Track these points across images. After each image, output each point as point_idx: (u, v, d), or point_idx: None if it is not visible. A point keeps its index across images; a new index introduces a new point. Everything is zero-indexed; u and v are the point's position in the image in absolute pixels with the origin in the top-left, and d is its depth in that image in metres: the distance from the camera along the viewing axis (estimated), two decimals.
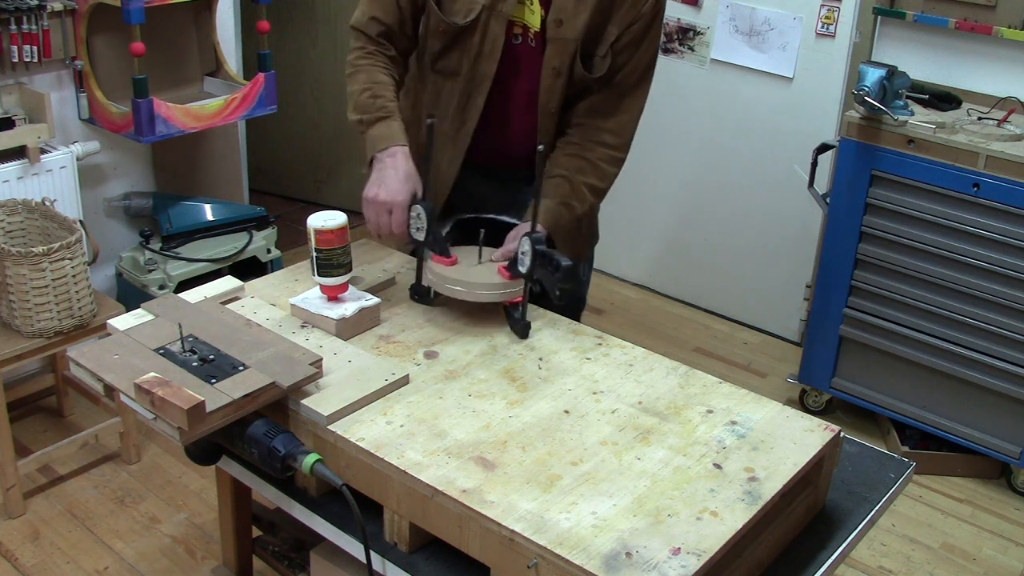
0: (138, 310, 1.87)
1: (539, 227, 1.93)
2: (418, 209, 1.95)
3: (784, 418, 1.71)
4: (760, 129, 3.78)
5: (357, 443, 1.59)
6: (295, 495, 1.73)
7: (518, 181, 2.23)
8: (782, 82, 3.68)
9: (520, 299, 1.92)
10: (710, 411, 1.72)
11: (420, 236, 1.96)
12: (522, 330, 1.91)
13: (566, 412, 1.70)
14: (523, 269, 1.87)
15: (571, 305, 2.25)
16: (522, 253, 1.87)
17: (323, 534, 1.71)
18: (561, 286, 1.81)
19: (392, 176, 1.94)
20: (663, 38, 3.91)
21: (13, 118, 3.00)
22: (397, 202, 1.93)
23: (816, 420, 1.71)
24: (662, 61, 3.94)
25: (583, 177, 2.09)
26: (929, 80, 3.27)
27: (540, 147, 1.87)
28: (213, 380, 1.62)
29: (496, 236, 2.16)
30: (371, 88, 2.04)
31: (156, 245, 3.37)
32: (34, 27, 2.99)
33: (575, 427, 1.66)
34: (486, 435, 1.62)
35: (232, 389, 1.60)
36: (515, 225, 2.20)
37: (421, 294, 2.01)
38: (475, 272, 1.94)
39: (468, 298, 1.91)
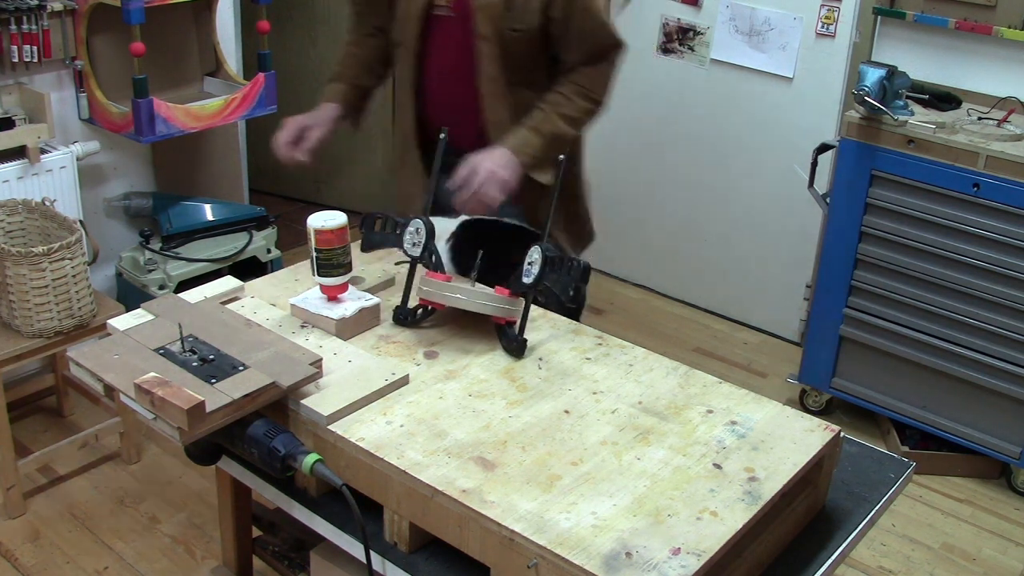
0: (138, 310, 1.87)
1: (541, 236, 1.92)
2: (417, 224, 1.94)
3: (784, 418, 1.71)
4: (760, 129, 3.78)
5: (357, 443, 1.59)
6: (295, 495, 1.73)
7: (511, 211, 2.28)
8: (782, 82, 3.68)
9: (516, 319, 1.88)
10: (710, 411, 1.72)
11: (416, 251, 1.95)
12: (518, 349, 1.86)
13: (566, 412, 1.70)
14: (529, 280, 1.83)
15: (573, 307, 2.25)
16: (529, 264, 1.85)
17: (323, 534, 1.71)
18: (577, 285, 1.79)
19: (308, 113, 2.32)
20: (663, 38, 3.91)
21: (13, 118, 3.00)
22: (285, 121, 2.31)
23: (816, 420, 1.71)
24: (662, 61, 3.96)
25: (553, 107, 2.22)
26: (929, 80, 3.27)
27: (442, 135, 1.97)
28: (213, 380, 1.62)
29: (497, 236, 2.16)
30: (338, 61, 2.46)
31: (156, 245, 3.37)
32: (34, 27, 2.99)
33: (575, 427, 1.66)
34: (486, 435, 1.62)
35: (232, 389, 1.60)
36: (520, 228, 2.20)
37: (405, 316, 1.95)
38: (473, 287, 1.91)
39: (467, 307, 1.86)
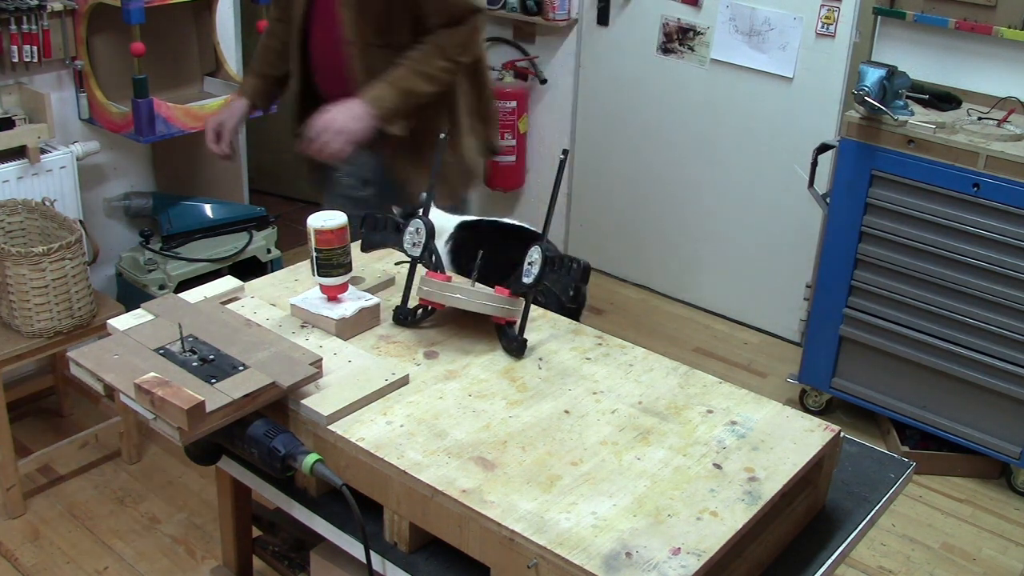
0: (138, 310, 1.87)
1: (528, 226, 1.94)
2: (417, 224, 1.94)
3: (784, 418, 1.71)
4: (760, 129, 3.78)
5: (357, 443, 1.59)
6: (295, 495, 1.73)
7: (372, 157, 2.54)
8: (782, 82, 3.68)
9: (516, 319, 1.88)
10: (710, 411, 1.72)
11: (416, 252, 1.95)
12: (518, 349, 1.86)
13: (566, 412, 1.70)
14: (529, 280, 1.83)
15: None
16: (529, 263, 1.85)
17: (323, 534, 1.71)
18: (577, 285, 1.80)
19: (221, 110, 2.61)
20: (663, 38, 3.91)
21: (13, 118, 3.00)
22: (206, 120, 2.63)
23: (816, 420, 1.71)
24: (662, 61, 3.96)
25: (411, 63, 2.39)
26: (929, 80, 3.27)
27: (442, 135, 2.00)
28: (213, 380, 1.62)
29: (497, 238, 2.16)
30: (254, 54, 2.72)
31: (156, 245, 3.37)
32: (34, 27, 2.99)
33: (575, 427, 1.66)
34: (486, 435, 1.62)
35: (232, 389, 1.60)
36: (520, 228, 2.20)
37: (405, 316, 1.95)
38: (473, 287, 1.92)
39: (467, 307, 1.86)
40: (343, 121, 2.35)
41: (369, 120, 2.37)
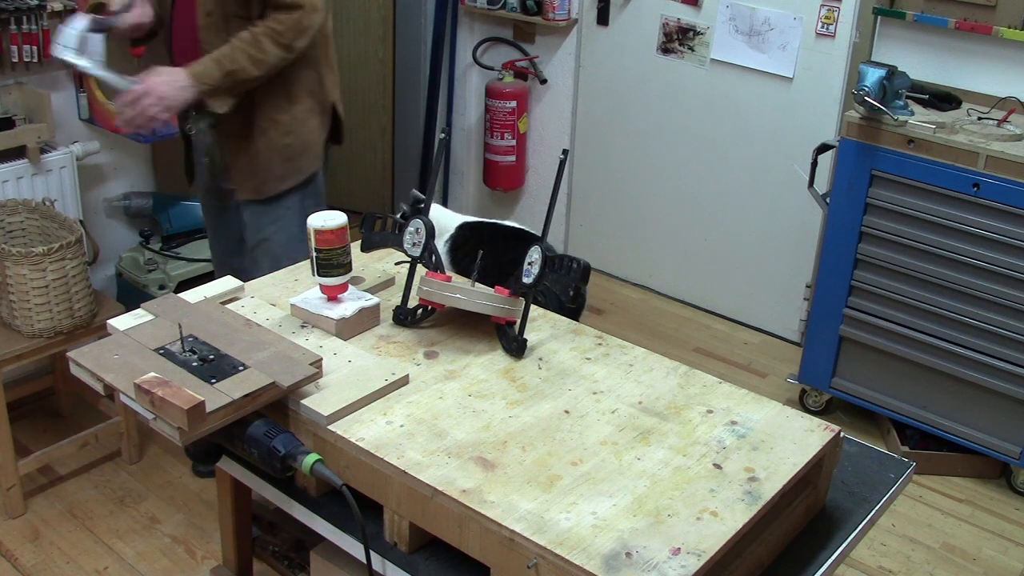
0: (138, 310, 1.87)
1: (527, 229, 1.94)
2: (417, 224, 1.94)
3: (784, 418, 1.71)
4: (760, 129, 3.78)
5: (357, 443, 1.59)
6: (295, 495, 1.73)
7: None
8: (782, 82, 3.68)
9: (516, 319, 1.88)
10: (710, 411, 1.72)
11: (416, 252, 1.95)
12: (518, 349, 1.86)
13: (566, 412, 1.70)
14: (529, 280, 1.83)
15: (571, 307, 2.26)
16: (529, 264, 1.85)
17: (323, 534, 1.71)
18: (577, 285, 1.80)
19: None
20: (663, 38, 3.91)
21: (13, 118, 3.00)
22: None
23: (816, 420, 1.71)
24: (662, 61, 3.96)
25: (242, 45, 2.36)
26: (929, 80, 3.27)
27: (441, 135, 1.99)
28: (213, 380, 1.62)
29: (498, 239, 2.16)
30: None
31: (156, 245, 3.37)
32: (34, 27, 2.99)
33: (575, 427, 1.66)
34: (486, 435, 1.62)
35: (232, 389, 1.60)
36: (519, 230, 2.21)
37: (405, 316, 1.95)
38: (473, 287, 1.92)
39: (467, 307, 1.86)
40: (164, 89, 2.32)
41: (190, 92, 2.34)
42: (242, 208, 2.62)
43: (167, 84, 2.33)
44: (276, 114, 2.51)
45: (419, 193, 2.17)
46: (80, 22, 2.33)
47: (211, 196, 2.73)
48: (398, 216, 2.33)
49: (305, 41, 2.41)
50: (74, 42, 2.32)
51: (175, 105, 2.35)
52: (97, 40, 2.37)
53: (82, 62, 2.34)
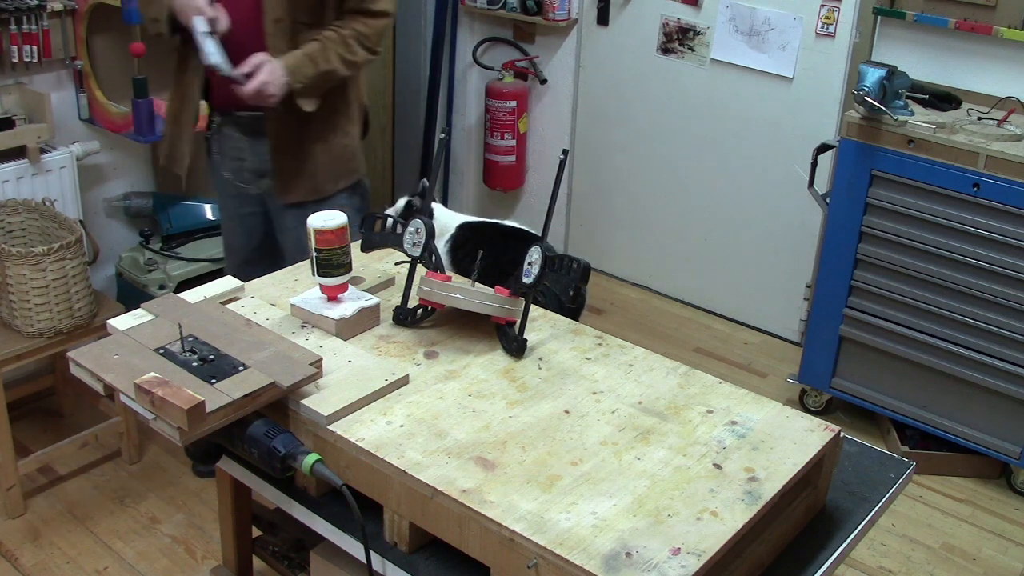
0: (138, 310, 1.87)
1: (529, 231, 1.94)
2: (417, 224, 1.94)
3: (784, 418, 1.71)
4: (760, 129, 3.78)
5: (357, 443, 1.59)
6: (295, 495, 1.73)
7: (263, 133, 2.50)
8: (782, 82, 3.68)
9: (516, 319, 1.87)
10: (710, 411, 1.72)
11: (416, 252, 1.95)
12: (518, 349, 1.86)
13: (566, 412, 1.70)
14: (529, 280, 1.83)
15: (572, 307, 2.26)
16: (529, 264, 1.85)
17: (323, 534, 1.71)
18: (577, 285, 1.79)
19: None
20: (663, 38, 3.91)
21: (13, 118, 3.00)
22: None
23: (816, 420, 1.71)
24: (662, 61, 3.96)
25: (333, 45, 2.38)
26: (929, 80, 3.27)
27: (442, 135, 2.00)
28: (213, 380, 1.62)
29: (498, 239, 2.16)
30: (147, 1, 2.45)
31: (156, 245, 3.37)
32: (34, 27, 2.99)
33: (575, 427, 1.66)
34: (486, 435, 1.62)
35: (232, 389, 1.60)
36: (520, 230, 2.21)
37: (405, 316, 1.95)
38: (473, 287, 1.92)
39: (467, 307, 1.86)
40: (276, 73, 2.32)
41: (286, 86, 2.34)
42: (284, 213, 2.60)
43: (275, 68, 2.32)
44: (335, 116, 2.52)
45: (428, 181, 2.18)
46: (201, 25, 2.32)
47: (234, 203, 2.70)
48: (401, 202, 2.34)
49: (382, 48, 2.47)
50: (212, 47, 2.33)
51: (279, 93, 2.34)
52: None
53: (207, 40, 2.33)
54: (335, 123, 2.52)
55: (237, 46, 2.37)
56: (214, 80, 2.48)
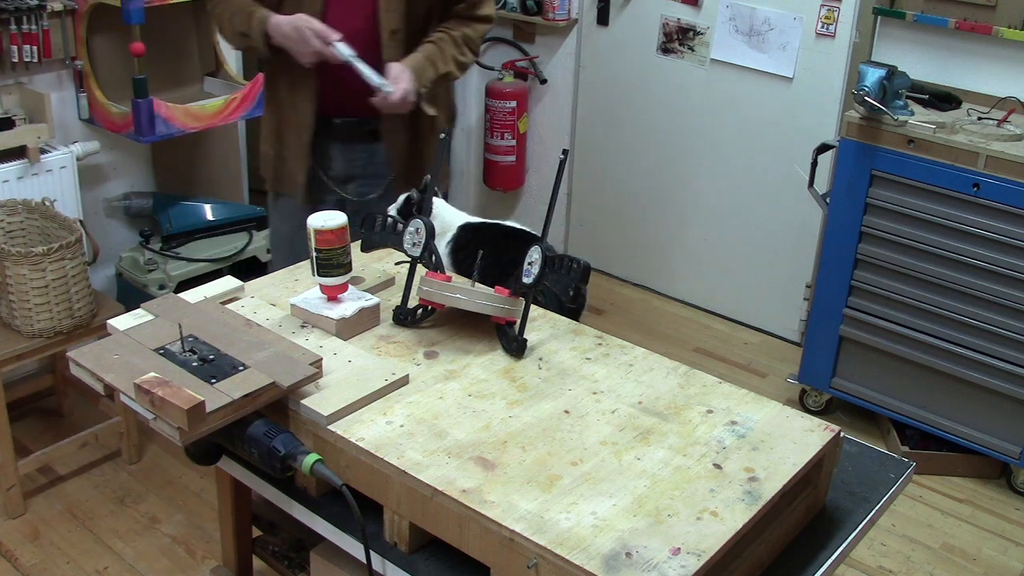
0: (138, 310, 1.87)
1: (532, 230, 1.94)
2: (417, 224, 1.94)
3: (784, 418, 1.71)
4: (760, 129, 3.78)
5: (357, 443, 1.59)
6: (295, 495, 1.73)
7: (367, 139, 2.52)
8: (782, 82, 3.68)
9: (516, 319, 1.87)
10: (710, 411, 1.72)
11: (416, 252, 1.95)
12: (518, 349, 1.85)
13: (566, 412, 1.70)
14: (529, 280, 1.83)
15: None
16: (529, 264, 1.85)
17: (323, 534, 1.71)
18: (577, 285, 1.79)
19: (293, 41, 2.31)
20: (663, 38, 3.92)
21: (13, 118, 3.00)
22: (324, 53, 2.29)
23: (816, 420, 1.71)
24: (662, 61, 3.96)
25: (448, 47, 2.42)
26: (929, 80, 3.27)
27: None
28: (213, 380, 1.62)
29: (498, 239, 2.16)
30: (232, 12, 2.40)
31: (156, 245, 3.37)
32: (34, 27, 2.99)
33: (575, 427, 1.66)
34: (486, 435, 1.62)
35: (232, 389, 1.60)
36: (520, 231, 2.20)
37: (405, 316, 1.95)
38: (473, 287, 1.91)
39: (467, 307, 1.86)
40: (413, 81, 2.34)
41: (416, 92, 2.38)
42: None
43: (411, 80, 2.35)
44: (437, 117, 2.54)
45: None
46: (347, 49, 2.32)
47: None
48: (402, 198, 2.34)
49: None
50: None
51: (415, 99, 2.37)
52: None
53: (359, 62, 2.33)
54: (437, 120, 2.55)
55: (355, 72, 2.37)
56: (320, 90, 2.47)
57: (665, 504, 1.49)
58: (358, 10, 2.39)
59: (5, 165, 2.98)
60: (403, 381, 1.75)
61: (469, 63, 2.50)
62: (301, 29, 2.29)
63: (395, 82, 2.33)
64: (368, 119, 2.49)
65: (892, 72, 2.94)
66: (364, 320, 1.91)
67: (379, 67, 2.36)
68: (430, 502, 1.51)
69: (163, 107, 3.04)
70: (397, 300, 1.96)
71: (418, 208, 2.28)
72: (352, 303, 1.90)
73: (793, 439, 1.65)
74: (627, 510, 1.47)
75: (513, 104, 4.17)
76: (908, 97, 3.08)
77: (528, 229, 2.24)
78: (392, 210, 2.34)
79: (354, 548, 1.65)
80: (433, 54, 2.40)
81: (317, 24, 2.29)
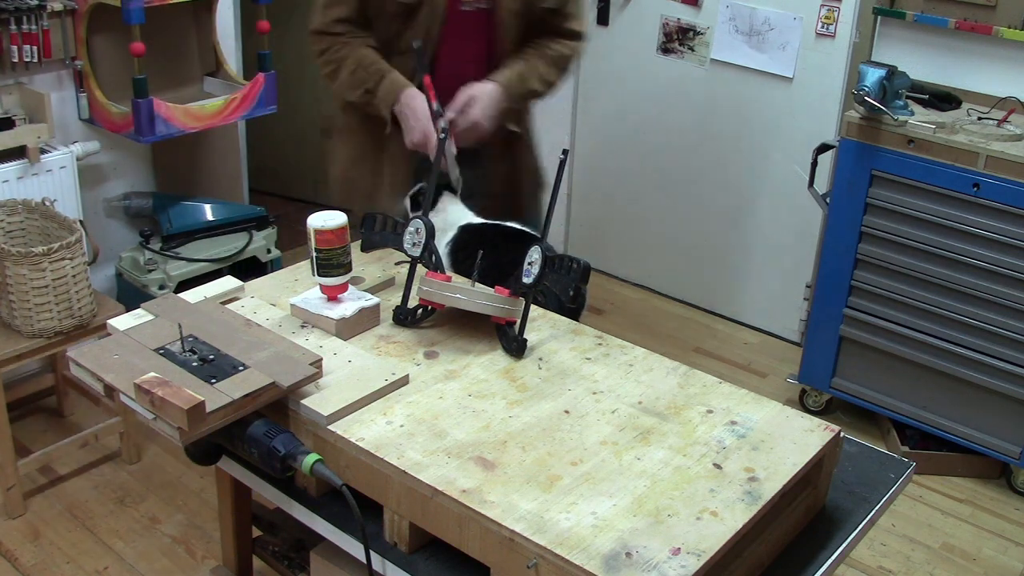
0: (138, 310, 1.87)
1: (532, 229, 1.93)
2: (417, 224, 1.94)
3: (784, 418, 1.71)
4: (760, 129, 3.78)
5: (357, 443, 1.59)
6: (295, 495, 1.73)
7: (482, 160, 2.41)
8: (782, 82, 3.68)
9: (516, 319, 1.87)
10: (710, 411, 1.72)
11: (416, 251, 1.95)
12: (518, 349, 1.85)
13: (566, 412, 1.70)
14: (529, 279, 1.83)
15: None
16: (529, 264, 1.85)
17: (323, 534, 1.71)
18: (577, 285, 1.79)
19: (413, 118, 2.25)
20: (663, 38, 3.92)
21: (13, 118, 3.00)
22: (432, 142, 2.21)
23: (816, 420, 1.71)
24: (662, 61, 3.96)
25: (537, 64, 2.36)
26: (929, 80, 3.27)
27: (442, 135, 2.01)
28: (213, 380, 1.62)
29: (498, 240, 2.16)
30: (358, 64, 2.32)
31: (156, 245, 3.37)
32: (34, 27, 2.99)
33: (575, 427, 1.66)
34: (486, 435, 1.62)
35: (232, 389, 1.60)
36: (520, 231, 2.20)
37: (405, 316, 1.94)
38: (473, 287, 1.91)
39: (467, 307, 1.86)
40: (486, 99, 2.26)
41: (503, 106, 2.30)
42: None
43: (488, 94, 2.26)
44: (528, 137, 2.53)
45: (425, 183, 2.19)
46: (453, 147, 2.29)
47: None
48: (416, 187, 2.33)
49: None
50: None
51: (496, 117, 2.29)
52: None
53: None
54: (529, 144, 2.53)
55: (462, 80, 2.30)
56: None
57: (665, 504, 1.49)
58: (474, 33, 2.35)
59: (5, 165, 2.98)
60: (403, 381, 1.75)
61: (556, 83, 2.40)
62: (422, 120, 2.24)
63: (462, 110, 2.24)
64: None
65: (892, 72, 2.94)
66: (364, 320, 1.91)
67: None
68: (430, 502, 1.51)
69: (163, 107, 3.04)
70: (397, 300, 1.96)
71: (415, 206, 2.29)
72: (352, 303, 1.90)
73: (793, 439, 1.65)
74: (627, 510, 1.47)
75: None
76: (908, 97, 3.08)
77: (528, 229, 2.24)
78: (406, 201, 2.33)
79: (354, 548, 1.65)
80: (523, 71, 2.33)
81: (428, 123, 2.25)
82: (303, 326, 1.89)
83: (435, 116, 2.23)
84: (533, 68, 2.35)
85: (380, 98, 2.30)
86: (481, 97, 2.26)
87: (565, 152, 1.90)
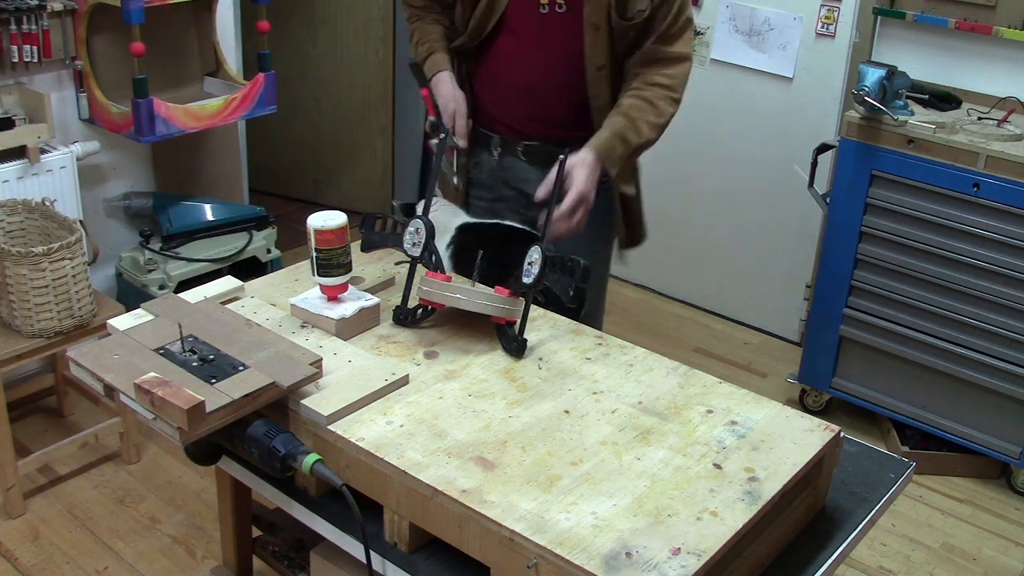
0: (138, 310, 1.87)
1: (548, 241, 1.91)
2: (417, 224, 1.94)
3: (784, 418, 1.71)
4: (760, 129, 3.78)
5: (357, 443, 1.59)
6: (295, 495, 1.73)
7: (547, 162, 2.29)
8: (782, 82, 3.68)
9: (516, 319, 1.87)
10: (710, 411, 1.72)
11: (416, 251, 1.95)
12: (518, 349, 1.85)
13: (566, 412, 1.70)
14: (529, 279, 1.83)
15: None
16: (529, 264, 1.85)
17: (323, 534, 1.71)
18: (577, 285, 1.79)
19: (441, 92, 2.26)
20: None
21: (13, 118, 3.00)
22: (449, 109, 2.23)
23: (816, 420, 1.71)
24: None
25: (640, 114, 2.20)
26: (929, 80, 3.27)
27: (442, 135, 2.04)
28: (213, 380, 1.62)
29: (499, 239, 2.15)
30: (420, 37, 2.38)
31: (156, 245, 3.37)
32: (34, 27, 2.99)
33: (575, 427, 1.66)
34: (486, 435, 1.62)
35: (232, 389, 1.60)
36: (521, 230, 2.20)
37: (405, 316, 1.94)
38: (474, 287, 1.91)
39: (467, 307, 1.86)
40: (589, 188, 2.09)
41: (598, 175, 2.14)
42: None
43: (590, 182, 2.11)
44: (639, 196, 2.50)
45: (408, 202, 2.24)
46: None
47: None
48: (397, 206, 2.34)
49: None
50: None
51: (594, 187, 2.13)
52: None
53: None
54: (636, 170, 2.48)
55: (557, 95, 2.26)
56: (487, 105, 2.36)
57: (665, 504, 1.49)
58: (559, 47, 2.23)
59: (5, 165, 2.98)
60: (403, 381, 1.75)
61: (670, 116, 2.24)
62: (447, 106, 2.24)
63: (565, 213, 2.07)
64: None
65: (892, 72, 2.94)
66: (364, 320, 1.91)
67: (585, 103, 2.25)
68: (430, 502, 1.51)
69: (163, 107, 3.04)
70: (397, 300, 1.96)
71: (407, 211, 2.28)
72: (352, 303, 1.90)
73: (793, 439, 1.65)
74: (627, 510, 1.47)
75: None
76: (908, 97, 3.08)
77: (528, 228, 2.24)
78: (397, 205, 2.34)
79: (354, 548, 1.65)
80: (623, 128, 2.17)
81: (460, 110, 2.24)
82: (303, 326, 1.89)
83: (433, 128, 2.20)
84: (636, 121, 2.19)
85: (425, 72, 2.31)
86: (586, 197, 2.10)
87: (565, 153, 1.90)
